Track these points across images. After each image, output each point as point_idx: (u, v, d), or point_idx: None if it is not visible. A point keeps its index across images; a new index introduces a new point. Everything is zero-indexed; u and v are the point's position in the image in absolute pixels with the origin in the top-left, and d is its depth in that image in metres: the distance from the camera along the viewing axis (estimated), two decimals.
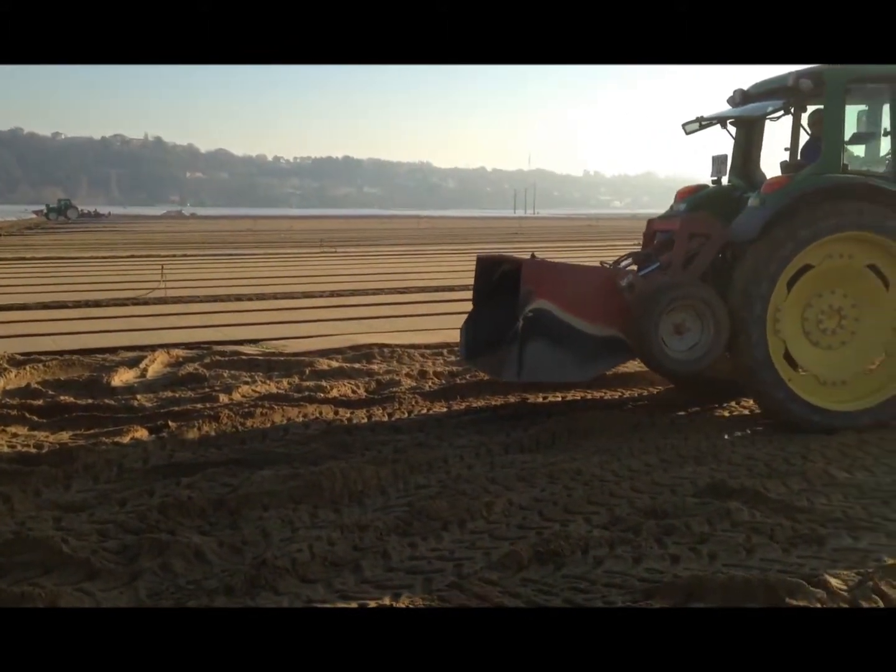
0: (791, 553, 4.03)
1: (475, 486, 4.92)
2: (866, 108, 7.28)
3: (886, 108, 6.82)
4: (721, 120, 7.48)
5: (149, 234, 46.72)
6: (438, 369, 8.35)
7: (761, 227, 6.37)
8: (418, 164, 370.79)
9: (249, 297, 14.99)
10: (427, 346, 9.68)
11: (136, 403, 7.06)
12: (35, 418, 6.50)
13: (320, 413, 6.75)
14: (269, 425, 6.35)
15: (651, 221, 7.69)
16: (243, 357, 9.06)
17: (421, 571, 3.88)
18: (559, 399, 7.37)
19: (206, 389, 7.55)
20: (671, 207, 7.56)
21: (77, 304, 13.79)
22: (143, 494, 4.85)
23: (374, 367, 8.60)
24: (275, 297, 15.07)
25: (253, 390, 7.48)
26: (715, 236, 6.70)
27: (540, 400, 7.33)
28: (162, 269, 16.38)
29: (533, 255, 6.95)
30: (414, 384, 7.85)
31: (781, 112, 7.40)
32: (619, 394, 7.62)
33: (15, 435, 6.09)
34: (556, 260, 7.44)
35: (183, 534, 4.27)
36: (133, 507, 4.66)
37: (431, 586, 3.71)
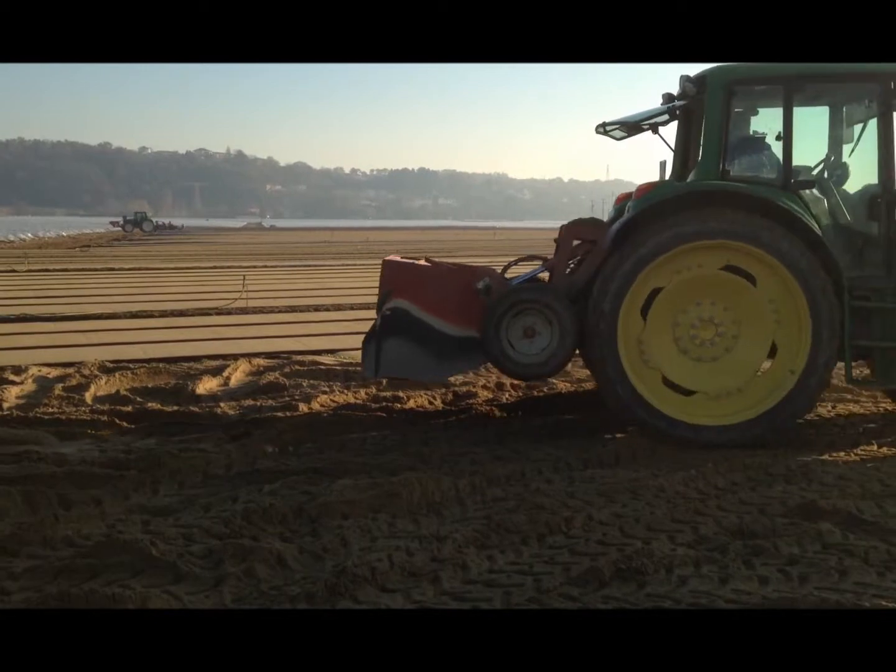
0: (886, 577, 3.87)
1: (554, 501, 4.86)
2: (757, 111, 6.92)
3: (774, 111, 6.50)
4: (621, 125, 7.23)
5: (229, 246, 47.89)
6: (515, 381, 8.31)
7: (613, 237, 6.25)
8: (494, 175, 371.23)
9: (327, 308, 15.21)
10: None
11: (219, 411, 7.22)
12: (124, 424, 6.70)
13: (397, 424, 6.78)
14: (347, 435, 6.41)
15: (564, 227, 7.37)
16: (322, 367, 9.19)
17: (500, 585, 3.85)
18: None
19: (287, 398, 7.68)
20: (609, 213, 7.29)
21: (163, 314, 14.20)
22: (226, 500, 4.94)
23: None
24: (352, 307, 15.26)
25: (331, 400, 7.57)
26: (601, 242, 6.52)
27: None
28: (243, 279, 16.74)
29: (426, 259, 7.15)
30: (490, 396, 7.83)
31: (666, 117, 7.09)
32: None
33: (105, 440, 6.28)
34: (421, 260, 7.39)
35: (265, 540, 4.33)
36: (217, 512, 4.75)
37: (511, 600, 3.68)
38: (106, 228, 70.41)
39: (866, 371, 6.83)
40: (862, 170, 6.62)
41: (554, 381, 8.12)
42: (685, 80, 6.56)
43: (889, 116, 6.31)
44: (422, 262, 7.32)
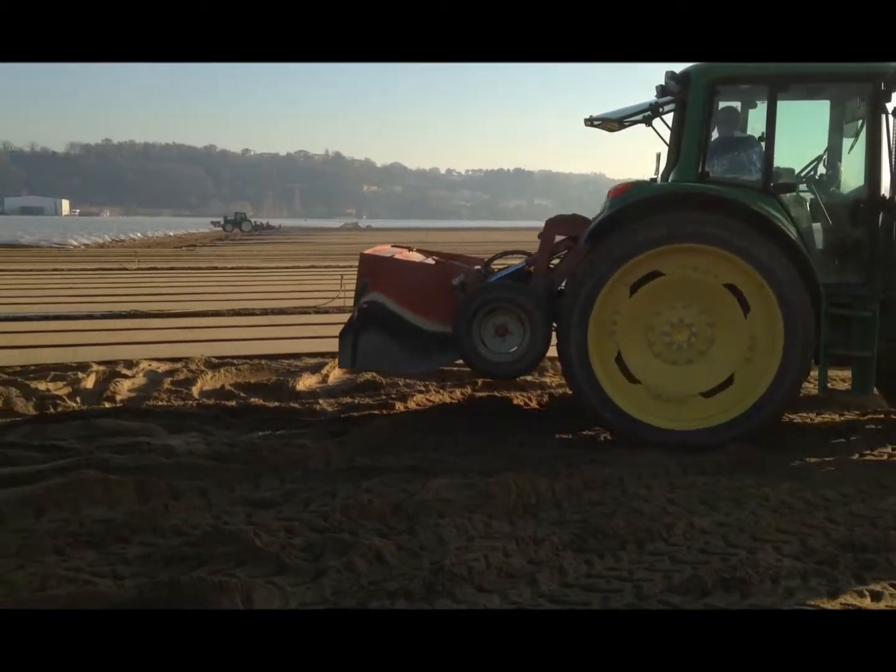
0: None
1: (653, 507, 4.78)
2: (739, 111, 6.67)
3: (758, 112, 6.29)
4: (605, 121, 6.99)
5: (326, 246, 48.85)
6: None
7: (587, 238, 6.20)
8: (591, 175, 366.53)
9: None
10: None
11: (318, 408, 7.38)
12: (228, 418, 6.92)
13: (492, 424, 6.78)
14: (442, 434, 6.44)
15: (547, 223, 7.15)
16: None
17: (598, 590, 3.80)
18: None
19: (383, 397, 7.78)
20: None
21: (264, 312, 14.60)
22: (325, 495, 5.04)
23: (547, 379, 8.56)
24: None
25: (427, 399, 7.63)
26: (581, 239, 6.34)
27: None
28: (341, 279, 17.03)
29: (410, 248, 7.19)
30: None
31: (648, 113, 6.77)
32: (814, 415, 7.19)
33: (210, 433, 6.50)
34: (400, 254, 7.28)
35: (364, 535, 4.40)
36: (317, 507, 4.85)
37: (609, 605, 3.63)
38: (209, 228, 72.80)
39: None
40: (855, 172, 6.34)
41: None
42: (669, 76, 6.42)
43: (877, 118, 6.02)
44: (406, 254, 7.36)
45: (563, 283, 6.51)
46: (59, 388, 7.96)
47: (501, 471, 5.42)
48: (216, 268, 26.55)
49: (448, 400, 7.68)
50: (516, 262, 7.25)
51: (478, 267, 7.24)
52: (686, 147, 6.23)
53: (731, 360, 5.99)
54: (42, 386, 7.89)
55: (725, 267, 5.92)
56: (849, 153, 6.42)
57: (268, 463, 5.59)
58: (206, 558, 4.08)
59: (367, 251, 7.02)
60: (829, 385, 6.18)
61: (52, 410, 7.04)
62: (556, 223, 6.84)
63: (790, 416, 7.07)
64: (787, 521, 4.58)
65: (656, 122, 6.84)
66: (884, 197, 6.06)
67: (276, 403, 7.48)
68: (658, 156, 6.99)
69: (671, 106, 6.77)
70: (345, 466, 5.62)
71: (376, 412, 7.16)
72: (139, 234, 55.37)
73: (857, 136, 6.26)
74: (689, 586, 3.77)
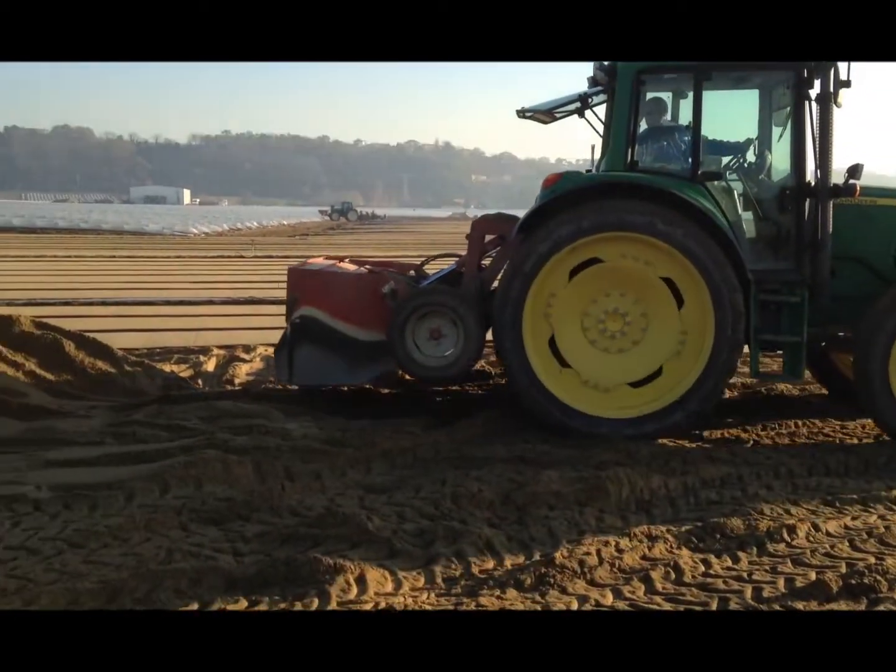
0: None
1: (774, 508, 4.61)
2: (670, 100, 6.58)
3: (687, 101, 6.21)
4: (536, 112, 6.95)
5: (434, 235, 49.14)
6: (732, 380, 7.93)
7: (518, 229, 6.19)
8: None
9: None
10: None
11: (427, 396, 7.43)
12: (341, 404, 7.05)
13: None
14: None
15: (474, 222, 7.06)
16: None
17: (715, 590, 3.70)
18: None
19: (492, 386, 7.77)
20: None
21: None
22: (435, 483, 5.07)
23: None
24: None
25: None
26: (509, 237, 6.16)
27: (850, 423, 6.68)
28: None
29: (342, 259, 7.21)
30: None
31: (577, 104, 6.72)
32: None
33: (323, 418, 6.63)
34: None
35: (474, 524, 4.41)
36: (427, 493, 4.89)
37: (728, 607, 3.52)
38: (320, 218, 74.44)
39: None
40: (784, 159, 6.27)
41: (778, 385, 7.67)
42: (598, 67, 6.36)
43: (801, 105, 5.98)
44: (338, 265, 7.36)
45: (495, 283, 6.54)
46: (182, 371, 8.31)
47: (613, 465, 5.34)
48: (328, 256, 27.02)
49: None
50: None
51: (412, 272, 7.26)
52: (614, 137, 6.27)
53: (662, 353, 6.04)
54: (167, 368, 8.25)
55: (664, 259, 5.94)
56: (778, 141, 6.45)
57: (378, 449, 5.68)
58: (321, 539, 4.18)
59: (296, 265, 7.11)
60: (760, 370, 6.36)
61: (175, 392, 7.35)
62: (484, 223, 6.89)
63: None
64: None
65: (593, 112, 6.90)
66: (809, 183, 6.08)
67: (387, 391, 7.58)
68: (593, 147, 7.11)
69: (603, 97, 6.81)
70: (454, 455, 5.65)
71: (486, 401, 7.16)
72: (255, 223, 57.09)
73: (784, 124, 6.32)
74: (812, 591, 3.63)
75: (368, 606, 3.48)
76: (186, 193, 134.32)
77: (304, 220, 71.28)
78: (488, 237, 6.91)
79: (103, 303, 13.72)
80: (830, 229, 5.95)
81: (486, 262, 7.00)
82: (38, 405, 6.47)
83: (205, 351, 9.18)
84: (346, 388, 7.57)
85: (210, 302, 14.24)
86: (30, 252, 25.57)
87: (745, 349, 6.17)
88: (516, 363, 6.12)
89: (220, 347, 9.42)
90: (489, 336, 6.47)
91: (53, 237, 36.91)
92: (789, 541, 4.20)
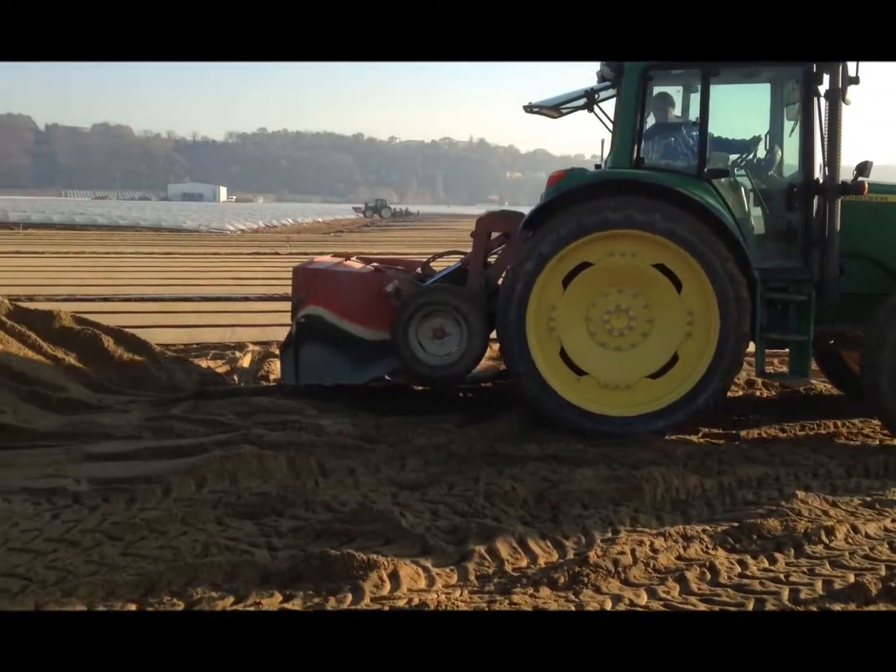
0: None
1: (812, 509, 4.55)
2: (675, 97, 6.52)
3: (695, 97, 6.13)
4: (542, 107, 6.95)
5: (468, 232, 49.09)
6: (767, 380, 7.83)
7: (523, 227, 6.20)
8: None
9: None
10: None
11: (460, 394, 7.43)
12: (374, 400, 7.07)
13: None
14: None
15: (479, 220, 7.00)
16: None
17: (752, 591, 3.65)
18: None
19: None
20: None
21: None
22: (469, 480, 5.06)
23: None
24: None
25: None
26: (514, 235, 6.08)
27: None
28: None
29: (349, 257, 7.13)
30: (742, 394, 7.45)
31: (583, 101, 6.66)
32: None
33: (357, 414, 6.65)
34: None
35: (507, 522, 4.41)
36: (460, 490, 4.89)
37: (764, 609, 3.48)
38: (355, 215, 74.76)
39: None
40: (794, 155, 6.17)
41: (813, 381, 7.55)
42: (604, 63, 6.30)
43: (810, 102, 5.89)
44: (344, 263, 7.28)
45: (501, 280, 6.50)
46: (218, 367, 8.39)
47: (648, 464, 5.30)
48: (362, 253, 27.14)
49: None
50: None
51: (419, 270, 7.21)
52: (620, 133, 6.23)
53: (674, 338, 6.00)
54: (203, 364, 8.33)
55: (651, 248, 5.90)
56: (789, 137, 6.34)
57: (412, 445, 5.69)
58: (354, 535, 4.20)
59: (301, 264, 7.08)
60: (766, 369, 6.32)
61: (212, 387, 7.42)
62: (489, 220, 6.86)
63: None
64: None
65: (600, 108, 6.86)
66: (817, 180, 6.01)
67: (420, 387, 7.59)
68: (602, 142, 7.01)
69: (610, 92, 6.75)
70: (487, 452, 5.64)
71: (518, 399, 7.12)
72: (290, 220, 57.49)
73: (795, 119, 6.23)
74: (850, 593, 3.57)
75: (401, 603, 3.49)
76: (223, 191, 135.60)
77: (339, 217, 71.62)
78: (494, 234, 6.91)
79: (141, 299, 13.91)
80: (838, 227, 5.88)
81: (492, 259, 6.96)
82: (78, 399, 6.57)
83: (240, 347, 9.25)
84: (378, 385, 7.59)
85: (246, 298, 14.37)
86: (70, 249, 25.99)
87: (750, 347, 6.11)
88: (524, 367, 6.09)
89: (255, 343, 9.49)
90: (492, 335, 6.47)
91: (93, 234, 37.49)
92: (827, 542, 4.14)
